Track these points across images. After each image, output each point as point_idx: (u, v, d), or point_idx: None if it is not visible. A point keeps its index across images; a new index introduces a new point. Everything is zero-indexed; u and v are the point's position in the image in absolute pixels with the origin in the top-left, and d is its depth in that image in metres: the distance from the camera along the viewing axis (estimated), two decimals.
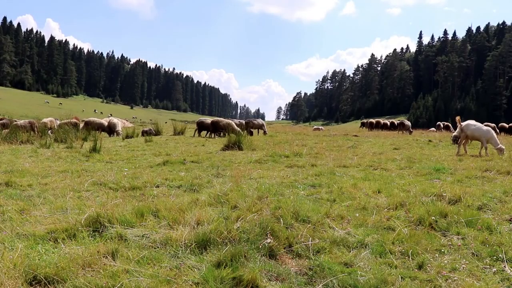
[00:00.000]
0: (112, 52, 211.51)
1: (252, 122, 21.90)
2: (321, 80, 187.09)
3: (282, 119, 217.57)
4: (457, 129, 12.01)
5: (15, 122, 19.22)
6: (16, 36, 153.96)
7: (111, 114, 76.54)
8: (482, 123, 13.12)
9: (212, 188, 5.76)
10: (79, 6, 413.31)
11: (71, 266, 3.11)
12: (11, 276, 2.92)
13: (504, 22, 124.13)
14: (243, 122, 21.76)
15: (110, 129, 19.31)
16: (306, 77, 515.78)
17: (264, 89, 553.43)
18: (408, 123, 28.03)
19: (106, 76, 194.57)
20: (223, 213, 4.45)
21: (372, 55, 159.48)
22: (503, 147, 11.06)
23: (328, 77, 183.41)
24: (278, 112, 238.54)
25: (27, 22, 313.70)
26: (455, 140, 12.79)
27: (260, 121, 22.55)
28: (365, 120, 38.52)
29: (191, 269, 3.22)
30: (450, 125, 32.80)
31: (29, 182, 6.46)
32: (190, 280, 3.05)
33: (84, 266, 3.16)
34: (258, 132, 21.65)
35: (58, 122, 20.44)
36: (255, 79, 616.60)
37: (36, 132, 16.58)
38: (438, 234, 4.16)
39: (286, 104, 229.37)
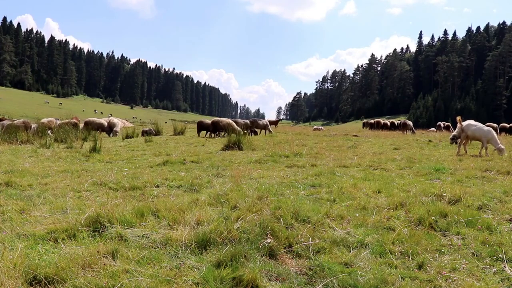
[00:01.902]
0: (112, 52, 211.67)
1: (257, 122, 22.02)
2: (321, 80, 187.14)
3: (282, 119, 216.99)
4: (456, 129, 12.03)
5: (8, 122, 19.17)
6: (16, 36, 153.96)
7: (111, 114, 76.57)
8: (483, 124, 13.13)
9: (212, 188, 5.76)
10: (78, 6, 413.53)
11: (71, 266, 3.11)
12: (11, 276, 2.92)
13: (504, 22, 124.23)
14: (248, 122, 21.82)
15: (110, 129, 19.32)
16: (306, 77, 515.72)
17: (264, 89, 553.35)
18: (410, 123, 28.07)
19: (106, 76, 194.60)
20: (223, 213, 4.45)
21: (372, 55, 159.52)
22: (503, 147, 11.06)
23: (328, 77, 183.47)
24: (278, 112, 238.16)
25: (26, 22, 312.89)
26: (454, 139, 12.83)
27: (264, 121, 22.67)
28: (365, 120, 38.60)
29: (191, 269, 3.22)
30: (450, 125, 32.83)
31: (29, 182, 6.46)
32: (190, 280, 3.05)
33: (84, 266, 3.16)
34: (260, 133, 21.67)
35: (59, 122, 20.41)
36: (255, 79, 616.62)
37: (29, 132, 16.38)
38: (438, 234, 4.15)
39: (286, 104, 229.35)
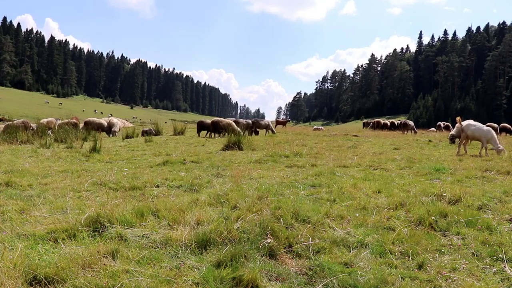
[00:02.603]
0: (112, 52, 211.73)
1: (258, 122, 22.04)
2: (321, 80, 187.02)
3: (282, 119, 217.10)
4: (455, 129, 12.04)
5: (8, 122, 19.20)
6: (16, 36, 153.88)
7: (111, 114, 76.57)
8: (483, 124, 13.14)
9: (212, 188, 5.76)
10: (78, 6, 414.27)
11: (71, 266, 3.11)
12: (11, 276, 2.92)
13: (504, 22, 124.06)
14: (250, 122, 21.84)
15: (110, 129, 19.34)
16: (306, 77, 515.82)
17: (264, 89, 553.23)
18: (411, 123, 28.07)
19: (106, 76, 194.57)
20: (223, 213, 4.45)
21: (372, 55, 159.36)
22: (502, 147, 11.06)
23: (328, 77, 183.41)
24: (278, 112, 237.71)
25: (26, 22, 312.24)
26: (452, 139, 12.86)
27: (266, 121, 22.69)
28: (365, 120, 38.63)
29: (191, 269, 3.22)
30: (450, 125, 32.82)
31: (29, 182, 6.46)
32: (190, 280, 3.05)
33: (84, 266, 3.16)
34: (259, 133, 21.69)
35: (59, 122, 20.40)
36: (255, 79, 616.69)
37: (28, 132, 16.34)
38: (438, 234, 4.15)
39: (286, 104, 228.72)
